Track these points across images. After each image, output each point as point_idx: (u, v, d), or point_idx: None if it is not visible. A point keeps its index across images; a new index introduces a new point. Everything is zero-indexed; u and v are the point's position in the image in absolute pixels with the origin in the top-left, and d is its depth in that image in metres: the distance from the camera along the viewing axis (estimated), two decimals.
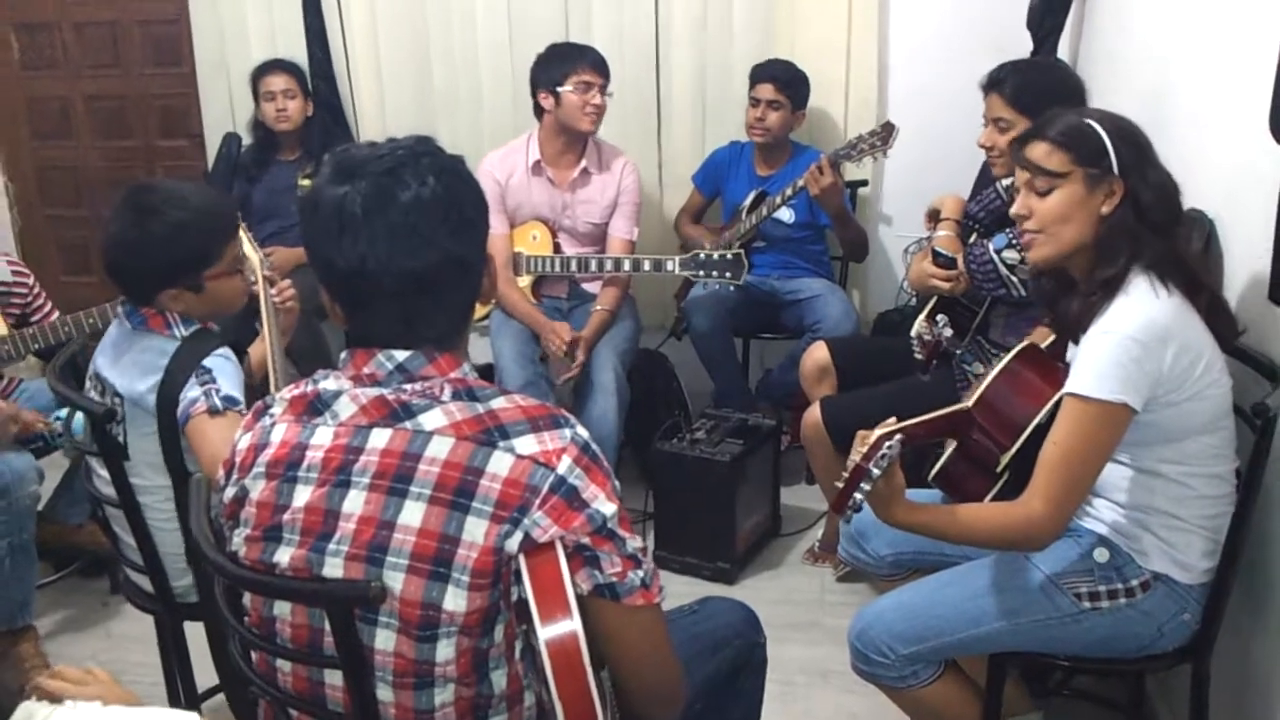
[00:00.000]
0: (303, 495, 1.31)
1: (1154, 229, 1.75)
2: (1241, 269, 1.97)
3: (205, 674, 2.24)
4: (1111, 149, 1.76)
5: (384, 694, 1.31)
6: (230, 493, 1.38)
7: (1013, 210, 1.90)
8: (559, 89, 3.31)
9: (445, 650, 1.28)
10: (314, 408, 1.35)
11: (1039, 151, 1.81)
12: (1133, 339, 1.69)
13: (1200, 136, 2.18)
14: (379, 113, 4.09)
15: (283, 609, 1.36)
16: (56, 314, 3.06)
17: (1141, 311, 1.71)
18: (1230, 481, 1.83)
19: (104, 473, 2.08)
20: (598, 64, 3.31)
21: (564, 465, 1.27)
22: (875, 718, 2.38)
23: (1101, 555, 1.83)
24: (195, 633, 2.17)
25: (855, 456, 1.71)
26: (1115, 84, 2.77)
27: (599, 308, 3.38)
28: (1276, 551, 1.86)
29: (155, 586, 2.13)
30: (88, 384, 2.14)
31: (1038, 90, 2.41)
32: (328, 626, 1.30)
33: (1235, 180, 1.93)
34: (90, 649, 2.88)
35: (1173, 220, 1.79)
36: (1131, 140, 1.78)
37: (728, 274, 3.15)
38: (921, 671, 1.93)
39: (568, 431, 1.30)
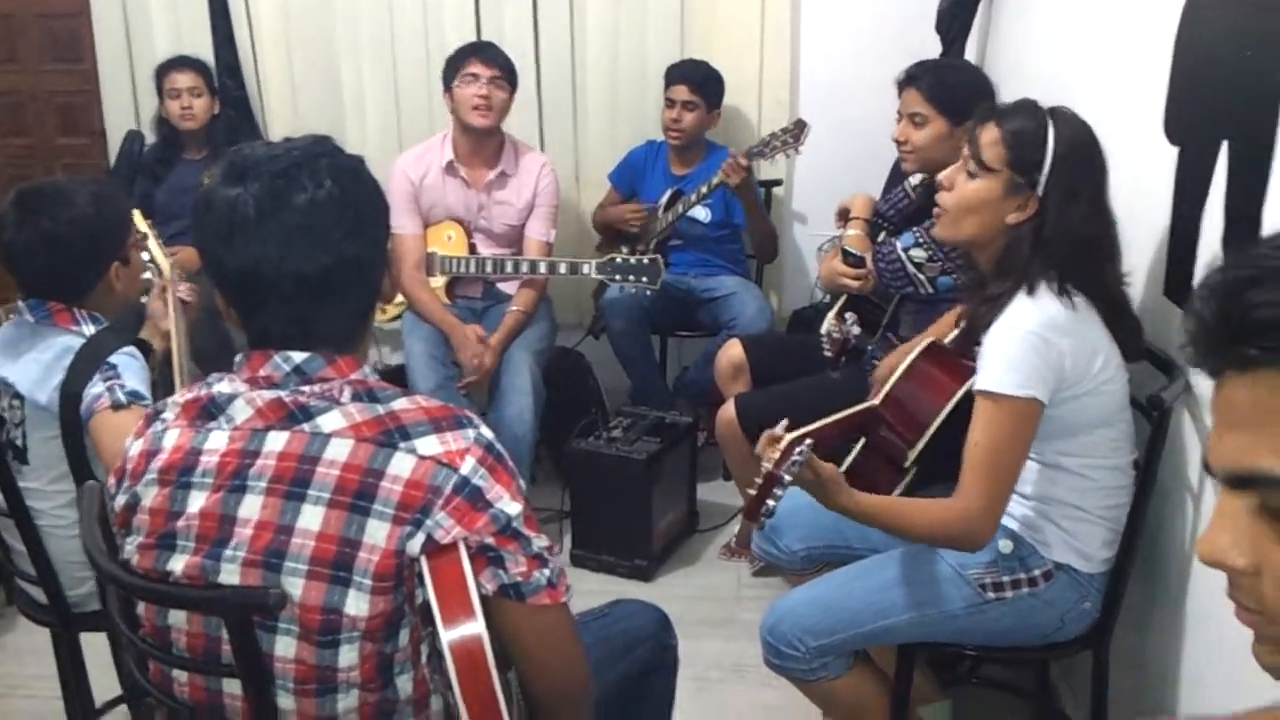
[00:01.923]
0: (197, 501, 1.28)
1: (1062, 258, 1.75)
2: (1139, 266, 2.02)
3: (106, 685, 2.19)
4: (1048, 168, 1.75)
5: (285, 701, 1.28)
6: (121, 500, 1.34)
7: (939, 176, 1.91)
8: (453, 85, 3.30)
9: (348, 656, 1.25)
10: (208, 412, 1.32)
11: (988, 136, 1.81)
12: (1034, 333, 1.72)
13: (1100, 133, 2.24)
14: (289, 111, 4.01)
15: (178, 618, 1.32)
16: None
17: (1042, 308, 1.74)
18: (1129, 473, 1.88)
19: None
20: (489, 57, 3.28)
21: (467, 466, 1.25)
22: (790, 711, 2.40)
23: (1006, 546, 1.86)
24: (96, 641, 2.12)
25: (767, 464, 1.71)
26: (1018, 87, 2.83)
27: (514, 309, 3.36)
28: (1171, 540, 1.92)
29: (49, 597, 2.06)
30: None
31: (955, 87, 2.46)
32: (225, 634, 1.26)
33: (1132, 180, 1.98)
34: None
35: (1087, 256, 1.77)
36: (1075, 166, 1.76)
37: (644, 279, 3.16)
38: (832, 664, 1.95)
39: (471, 432, 1.29)
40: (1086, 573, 1.87)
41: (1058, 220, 1.75)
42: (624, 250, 3.44)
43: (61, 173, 4.23)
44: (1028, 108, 1.82)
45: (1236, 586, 0.72)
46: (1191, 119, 1.89)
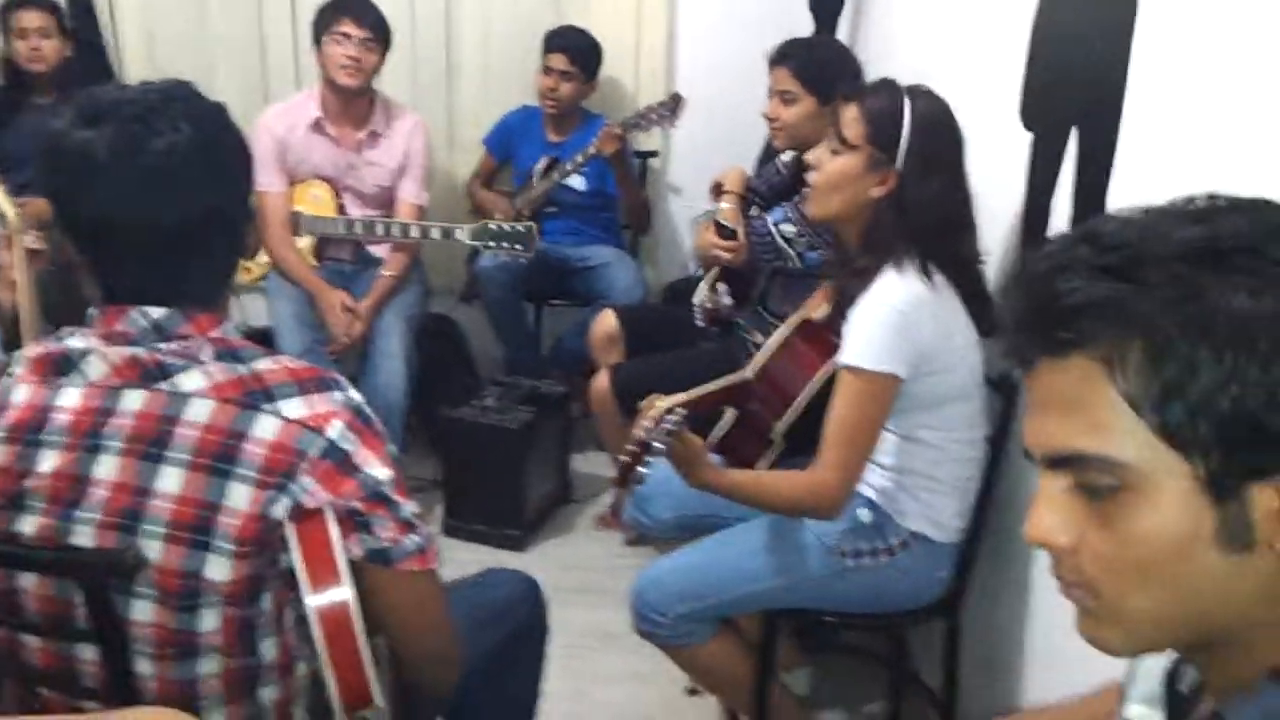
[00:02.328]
0: (48, 460, 1.22)
1: (923, 232, 1.81)
2: (993, 248, 2.09)
3: None
4: (904, 142, 1.81)
5: (143, 667, 1.24)
6: None
7: (807, 155, 1.95)
8: (322, 41, 3.19)
9: (209, 620, 1.22)
10: (59, 367, 1.26)
11: (848, 114, 1.86)
12: (897, 309, 1.78)
13: (960, 116, 2.32)
14: (146, 55, 3.82)
15: (28, 581, 1.26)
16: None
17: (907, 286, 1.80)
18: (981, 447, 1.96)
19: None
20: (360, 15, 3.16)
21: (335, 430, 1.23)
22: (659, 678, 2.44)
23: (865, 516, 1.92)
24: None
25: (639, 431, 1.73)
26: (885, 68, 2.89)
27: (385, 273, 3.30)
28: (1019, 510, 1.99)
29: None
30: None
31: (823, 65, 2.51)
32: (79, 598, 1.22)
33: (989, 164, 2.05)
34: None
35: (945, 229, 1.84)
36: (932, 140, 1.82)
37: (518, 246, 3.12)
38: (698, 630, 1.99)
39: (339, 395, 1.26)
40: (940, 542, 1.94)
41: (916, 193, 1.81)
42: (497, 216, 3.41)
43: None
44: (886, 86, 1.89)
45: (1059, 564, 0.76)
46: (1045, 106, 1.97)
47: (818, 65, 2.53)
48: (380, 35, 3.21)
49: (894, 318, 1.78)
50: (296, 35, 3.73)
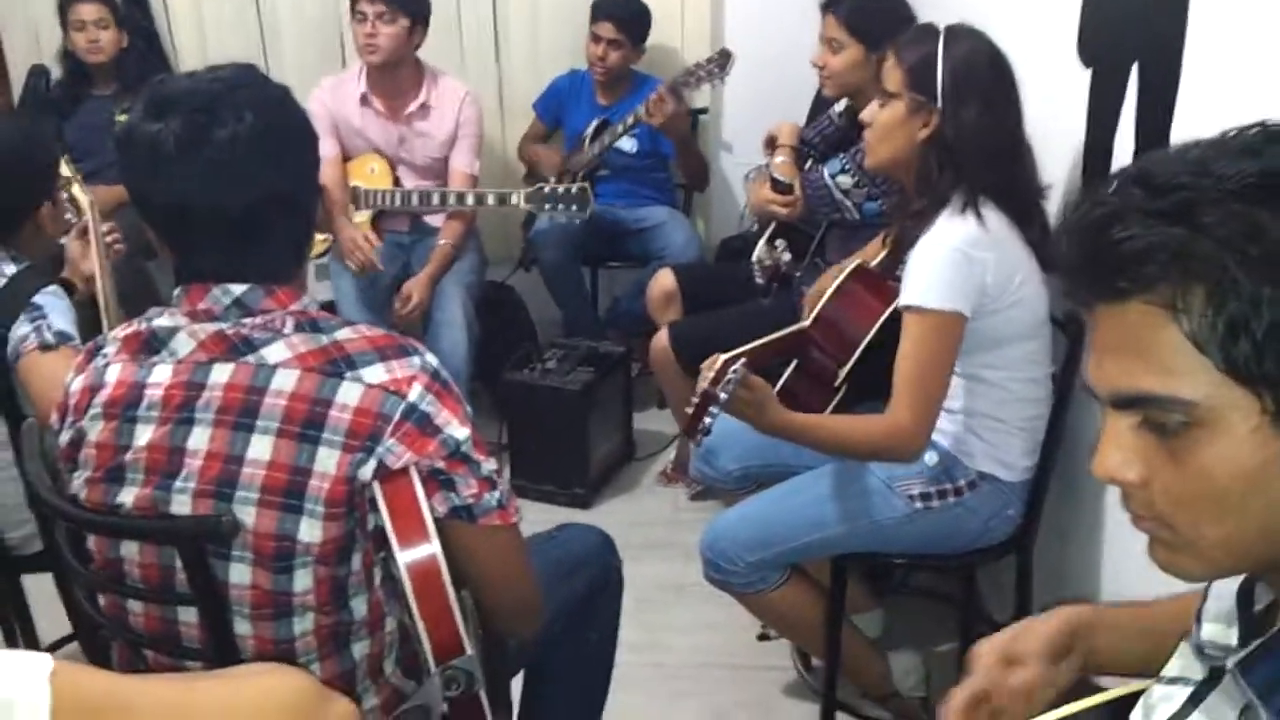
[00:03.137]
0: (144, 434, 1.28)
1: (971, 164, 1.81)
2: (1055, 188, 2.08)
3: (49, 627, 2.18)
4: (940, 81, 1.82)
5: (242, 627, 1.30)
6: (66, 436, 1.34)
7: (862, 114, 1.96)
8: (353, 20, 3.23)
9: (303, 580, 1.28)
10: (149, 346, 1.32)
11: (887, 64, 1.89)
12: (957, 249, 1.78)
13: (1016, 63, 2.29)
14: (198, 42, 3.89)
15: (130, 549, 1.33)
16: None
17: (963, 225, 1.80)
18: (1046, 385, 1.96)
19: None
20: None
21: (415, 392, 1.27)
22: (730, 625, 2.49)
23: (931, 458, 1.94)
24: (34, 586, 2.10)
25: (702, 384, 1.76)
26: (937, 15, 2.86)
27: (442, 242, 3.34)
28: (1087, 449, 1.99)
29: None
30: None
31: (871, 14, 2.50)
32: (179, 564, 1.28)
33: (1048, 105, 2.03)
34: None
35: (995, 154, 1.84)
36: (969, 73, 1.83)
37: (574, 207, 3.14)
38: (769, 576, 2.02)
39: (416, 359, 1.30)
40: (1009, 481, 1.95)
41: (957, 128, 1.82)
42: (547, 172, 3.43)
43: None
44: (921, 30, 1.92)
45: (1130, 498, 0.78)
46: (1103, 42, 1.95)
47: (866, 13, 2.51)
48: (399, 5, 3.16)
49: (954, 256, 1.78)
50: (340, 13, 3.77)
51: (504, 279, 3.77)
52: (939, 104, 1.83)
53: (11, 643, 2.17)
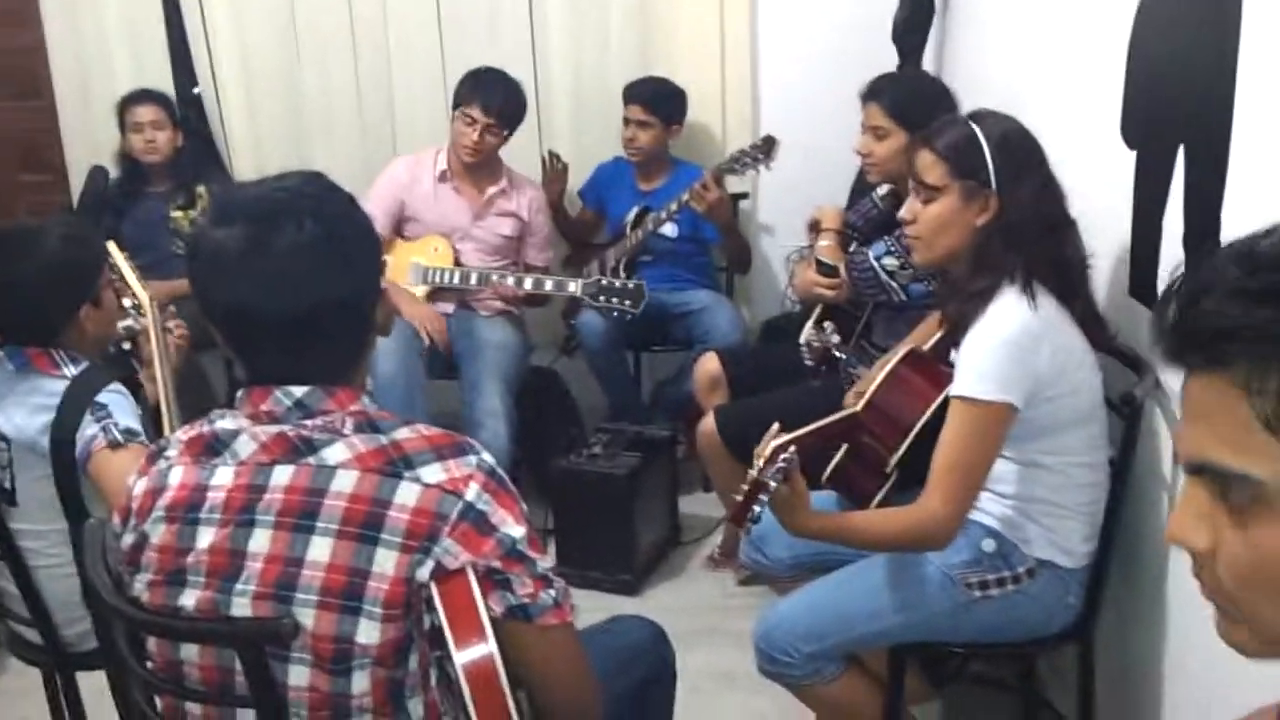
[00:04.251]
0: (206, 537, 1.29)
1: (1030, 239, 1.82)
2: (1103, 267, 2.08)
3: None
4: (990, 163, 1.83)
5: None
6: (129, 539, 1.35)
7: (900, 213, 1.97)
8: (455, 111, 3.39)
9: (360, 682, 1.27)
10: (212, 448, 1.33)
11: (924, 161, 1.90)
12: (1011, 342, 1.77)
13: (1057, 143, 2.30)
14: (252, 141, 3.99)
15: (190, 651, 1.33)
16: None
17: (1016, 316, 1.79)
18: (1105, 469, 1.93)
19: None
20: (486, 104, 3.34)
21: (472, 492, 1.28)
22: (782, 716, 2.43)
23: (989, 545, 1.91)
24: (87, 681, 2.11)
25: (753, 471, 1.75)
26: (975, 97, 2.89)
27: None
28: (1149, 533, 1.97)
29: (44, 637, 2.05)
30: None
31: (914, 100, 2.53)
32: (238, 666, 1.28)
33: (1092, 184, 2.03)
34: None
35: (1051, 227, 1.85)
36: (1014, 151, 1.85)
37: (627, 302, 3.20)
38: (825, 668, 1.98)
39: (473, 458, 1.31)
40: (1068, 567, 1.92)
41: (1016, 204, 1.83)
42: (593, 268, 3.49)
43: (24, 211, 4.20)
44: (950, 121, 1.93)
45: (1200, 566, 0.77)
46: (1147, 123, 1.95)
47: (908, 100, 2.54)
48: (504, 120, 3.39)
49: (1008, 347, 1.77)
50: (394, 111, 3.90)
51: (549, 363, 3.80)
52: (993, 186, 1.83)
53: None
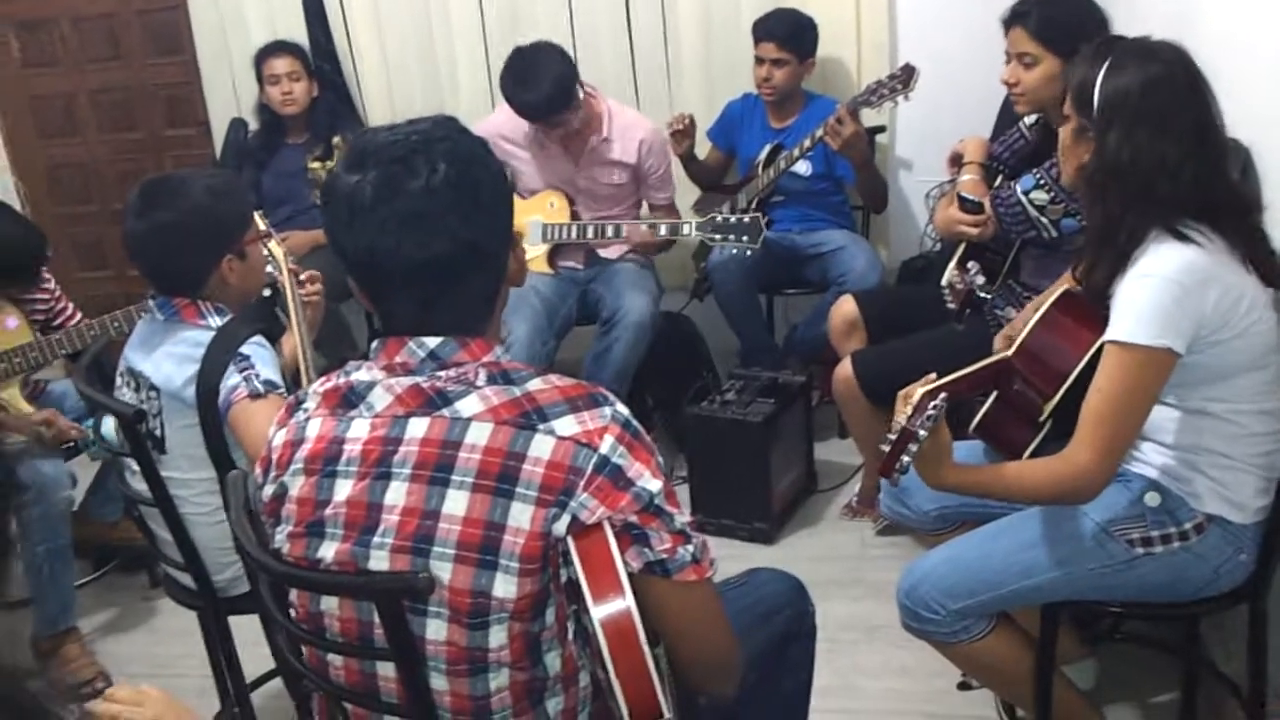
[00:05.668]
0: (343, 489, 1.29)
1: (1125, 190, 1.70)
2: (1276, 199, 1.91)
3: (254, 662, 2.25)
4: (1097, 107, 1.72)
5: (438, 683, 1.30)
6: (269, 490, 1.37)
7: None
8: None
9: (498, 636, 1.26)
10: (348, 400, 1.33)
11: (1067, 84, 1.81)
12: (1173, 280, 1.65)
13: (1232, 60, 2.12)
14: (385, 91, 4.03)
15: (330, 603, 1.34)
16: (79, 316, 3.07)
17: (1179, 254, 1.66)
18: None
19: (138, 472, 2.07)
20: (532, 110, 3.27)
21: (607, 445, 1.25)
22: (924, 671, 2.37)
23: (1153, 499, 1.79)
24: (239, 621, 2.18)
25: (900, 418, 1.68)
26: (1138, 10, 2.70)
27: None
28: None
29: (196, 582, 2.13)
30: (118, 380, 2.13)
31: (1062, 22, 2.36)
32: (377, 619, 1.28)
33: (1270, 104, 1.87)
34: (135, 645, 2.89)
35: (1152, 186, 1.70)
36: (1122, 102, 1.70)
37: (745, 237, 3.09)
38: (973, 626, 1.91)
39: (608, 410, 1.28)
40: (1240, 523, 1.79)
41: (1108, 158, 1.71)
42: (723, 209, 3.39)
43: (170, 164, 4.35)
44: (1095, 49, 1.80)
45: None
46: None
47: (1057, 22, 2.36)
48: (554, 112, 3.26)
49: (1169, 287, 1.65)
50: None
51: (680, 309, 3.75)
52: (1092, 132, 1.74)
53: (218, 679, 2.25)
